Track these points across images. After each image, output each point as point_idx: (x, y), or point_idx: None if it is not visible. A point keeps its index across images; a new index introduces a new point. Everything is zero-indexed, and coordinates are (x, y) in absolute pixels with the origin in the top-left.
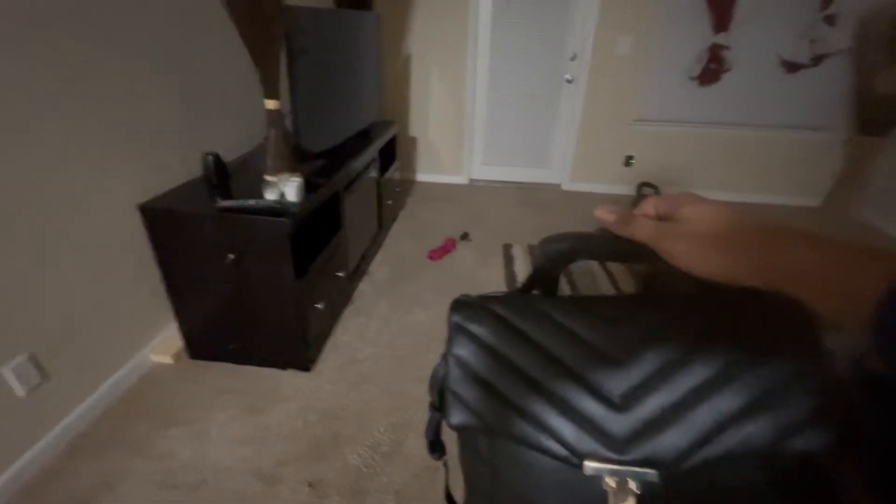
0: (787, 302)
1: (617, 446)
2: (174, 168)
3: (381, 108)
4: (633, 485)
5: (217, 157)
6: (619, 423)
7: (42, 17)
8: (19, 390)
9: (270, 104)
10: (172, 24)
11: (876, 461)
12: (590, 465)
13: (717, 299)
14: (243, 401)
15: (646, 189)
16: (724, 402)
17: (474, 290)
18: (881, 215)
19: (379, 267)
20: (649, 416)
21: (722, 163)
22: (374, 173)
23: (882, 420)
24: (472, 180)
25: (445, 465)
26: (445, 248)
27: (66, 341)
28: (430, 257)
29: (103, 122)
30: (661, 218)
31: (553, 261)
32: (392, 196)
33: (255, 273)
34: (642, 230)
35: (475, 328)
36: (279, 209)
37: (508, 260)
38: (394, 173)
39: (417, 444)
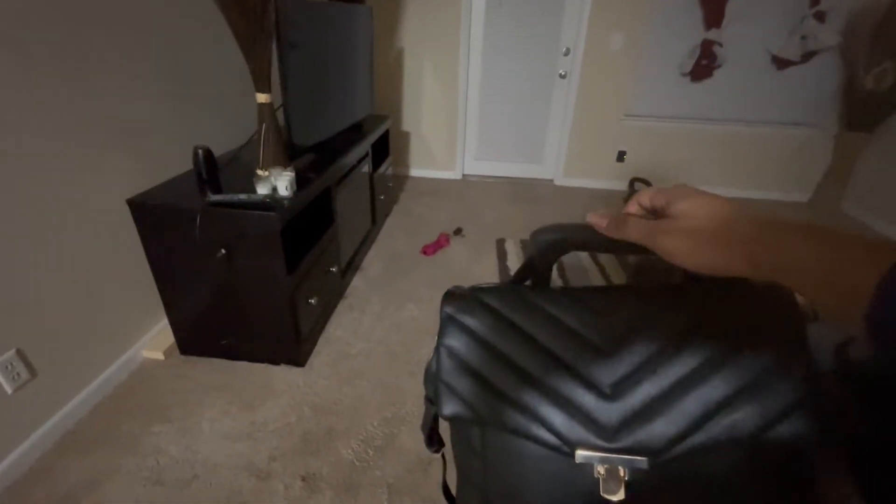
0: (772, 293)
1: (607, 434)
2: (164, 162)
3: (373, 103)
4: (622, 472)
5: (207, 151)
6: (609, 412)
7: (29, 8)
8: (7, 387)
9: (262, 98)
10: (162, 17)
11: (859, 451)
12: (581, 454)
13: (705, 290)
14: (235, 396)
15: (638, 184)
16: (711, 391)
17: (467, 285)
18: (866, 210)
19: (372, 262)
20: (639, 404)
21: (713, 158)
22: (366, 168)
23: (864, 410)
24: (465, 175)
25: (443, 457)
26: (439, 244)
27: (54, 337)
28: (424, 252)
29: (90, 115)
30: (654, 211)
31: (545, 252)
32: (385, 191)
33: (246, 268)
34: (636, 231)
35: (467, 320)
36: (270, 204)
37: (502, 255)
38: (387, 168)
39: (410, 438)
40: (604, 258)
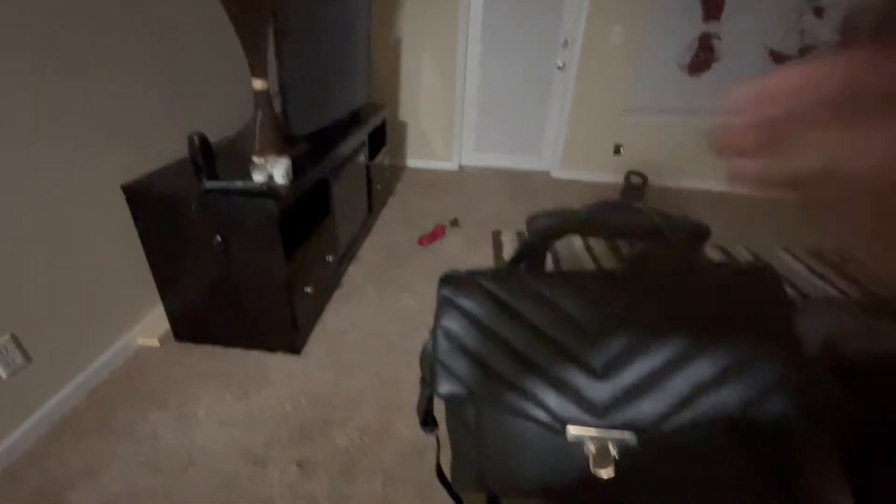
0: (759, 277)
1: (597, 412)
2: (159, 148)
3: (370, 91)
4: (612, 449)
5: (203, 138)
6: (599, 391)
7: None
8: (1, 372)
9: (258, 84)
10: (156, 2)
11: (843, 433)
12: (572, 430)
13: (694, 276)
14: (231, 384)
15: (634, 178)
16: (699, 371)
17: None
18: None
19: (368, 252)
20: (628, 384)
21: (706, 152)
22: (363, 157)
23: (849, 396)
24: (462, 167)
25: (437, 439)
26: (435, 234)
27: (49, 323)
28: (420, 243)
29: (84, 101)
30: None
31: (540, 236)
32: (381, 181)
33: (242, 255)
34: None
35: (464, 302)
36: (267, 191)
37: (498, 246)
38: (383, 158)
39: (406, 426)
40: (597, 248)
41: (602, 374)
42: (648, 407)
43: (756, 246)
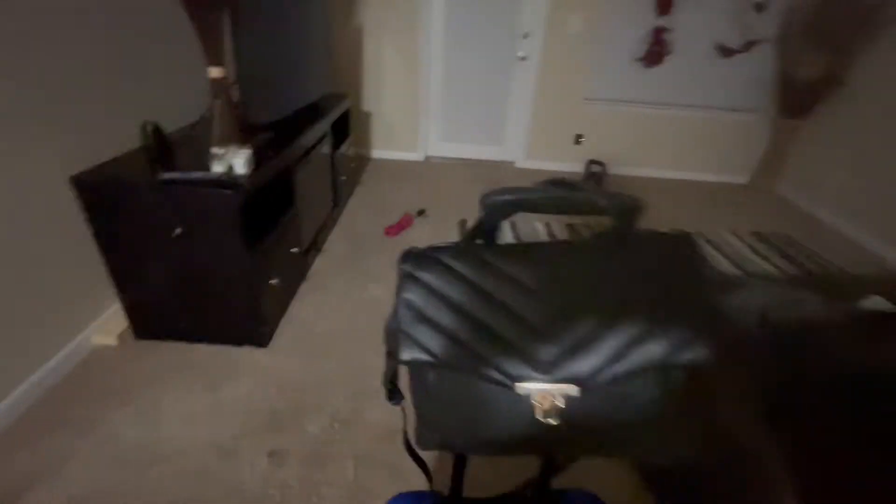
0: (677, 243)
1: (544, 368)
2: (109, 139)
3: (332, 80)
4: (558, 400)
5: (156, 127)
6: (545, 350)
7: None
8: None
9: (214, 72)
10: None
11: (768, 389)
12: (521, 386)
13: (627, 244)
14: (196, 378)
15: (594, 166)
16: (629, 328)
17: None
18: (799, 193)
19: (335, 243)
20: (570, 342)
21: (663, 142)
22: (327, 148)
23: (778, 358)
24: (428, 157)
25: (404, 410)
26: (402, 225)
27: None
28: (387, 233)
29: (21, 89)
30: None
31: (494, 212)
32: (347, 172)
33: (204, 247)
34: None
35: (423, 275)
36: (227, 181)
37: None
38: (348, 149)
39: (377, 411)
40: (556, 227)
41: (547, 335)
42: (587, 362)
43: (706, 229)
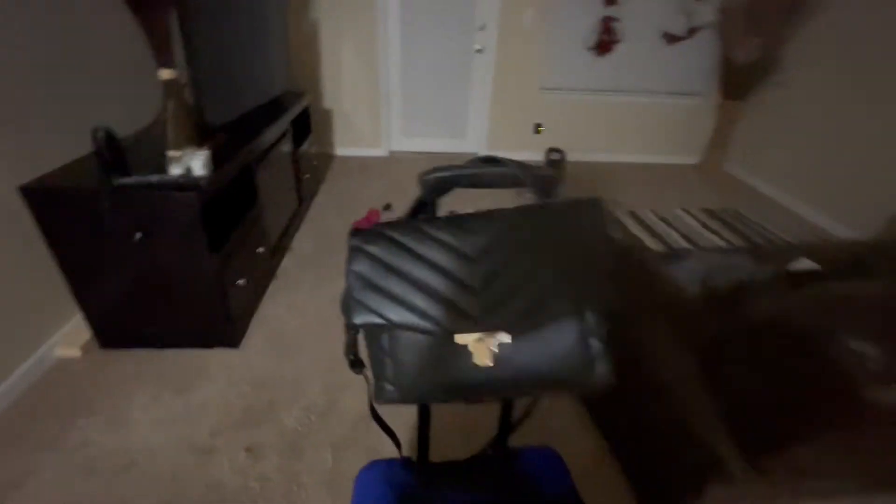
0: (587, 207)
1: (475, 320)
2: (58, 147)
3: (290, 78)
4: (493, 345)
5: (108, 132)
6: (477, 305)
7: None
8: None
9: (165, 74)
10: None
11: (704, 343)
12: (458, 336)
13: (545, 209)
14: (166, 383)
15: (553, 154)
16: (546, 280)
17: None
18: (745, 170)
19: (302, 241)
20: (497, 296)
21: (616, 127)
22: (288, 146)
23: (713, 316)
24: (392, 153)
25: (366, 377)
26: (369, 219)
27: None
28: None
29: None
30: None
31: (433, 188)
32: (310, 170)
33: (166, 252)
34: None
35: (370, 248)
36: (186, 184)
37: None
38: (310, 147)
39: (352, 401)
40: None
41: (478, 290)
42: (513, 312)
43: (661, 208)
